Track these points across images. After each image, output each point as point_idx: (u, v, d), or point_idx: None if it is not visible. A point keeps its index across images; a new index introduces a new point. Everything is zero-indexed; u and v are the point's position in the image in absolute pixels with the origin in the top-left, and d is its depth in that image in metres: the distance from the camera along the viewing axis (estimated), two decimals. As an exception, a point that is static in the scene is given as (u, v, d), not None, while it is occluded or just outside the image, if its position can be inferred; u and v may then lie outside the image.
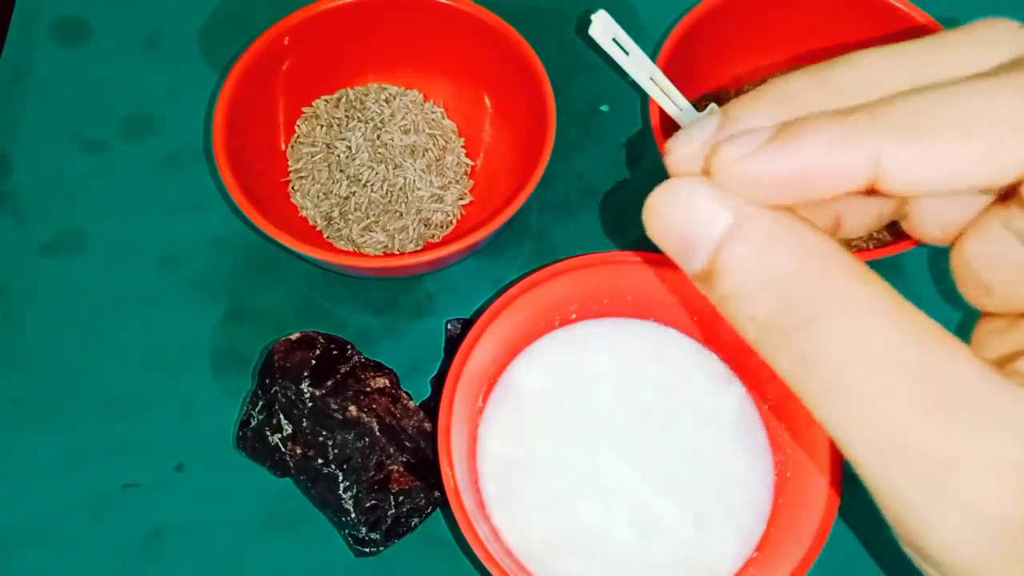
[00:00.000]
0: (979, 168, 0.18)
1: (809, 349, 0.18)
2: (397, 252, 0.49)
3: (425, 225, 0.49)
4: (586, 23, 0.44)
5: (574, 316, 0.45)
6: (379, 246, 0.49)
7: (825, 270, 0.18)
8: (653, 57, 0.47)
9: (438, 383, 0.46)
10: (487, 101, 0.52)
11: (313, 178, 0.50)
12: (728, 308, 0.20)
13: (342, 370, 0.43)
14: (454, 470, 0.38)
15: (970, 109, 0.18)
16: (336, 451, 0.41)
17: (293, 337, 0.43)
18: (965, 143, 0.18)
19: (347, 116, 0.51)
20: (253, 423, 0.43)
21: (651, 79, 0.47)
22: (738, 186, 0.19)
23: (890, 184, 0.18)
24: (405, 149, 0.50)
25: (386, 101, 0.51)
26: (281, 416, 0.42)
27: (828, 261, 0.19)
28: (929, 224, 0.23)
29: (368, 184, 0.49)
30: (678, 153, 0.21)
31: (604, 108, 0.55)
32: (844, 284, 0.18)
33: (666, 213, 0.21)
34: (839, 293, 0.18)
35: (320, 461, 0.41)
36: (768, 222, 0.19)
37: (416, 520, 0.42)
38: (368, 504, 0.41)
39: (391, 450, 0.42)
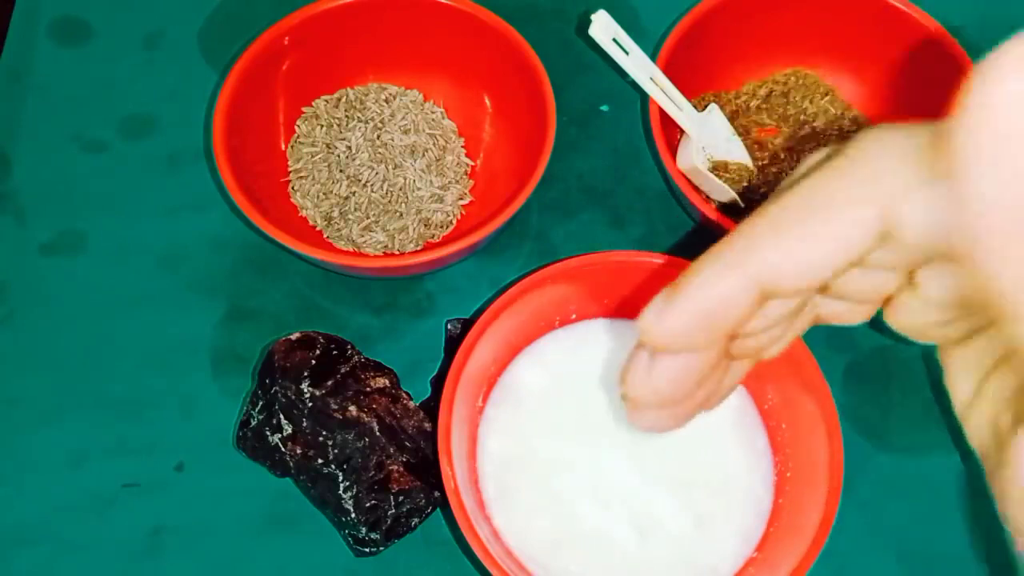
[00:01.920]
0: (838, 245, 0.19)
1: None
2: (397, 252, 0.49)
3: (425, 225, 0.49)
4: (586, 23, 0.44)
5: (574, 316, 0.45)
6: (379, 246, 0.49)
7: None
8: (653, 57, 0.47)
9: (438, 383, 0.46)
10: (487, 101, 0.52)
11: (313, 178, 0.50)
12: None
13: (342, 370, 0.43)
14: (454, 470, 0.38)
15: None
16: (336, 451, 0.41)
17: (293, 337, 0.43)
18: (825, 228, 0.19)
19: (347, 116, 0.51)
20: (253, 423, 0.43)
21: (651, 79, 0.47)
22: (666, 345, 0.21)
23: (782, 288, 0.19)
24: (405, 149, 0.50)
25: (386, 101, 0.51)
26: (281, 416, 0.42)
27: None
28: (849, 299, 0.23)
29: (368, 184, 0.49)
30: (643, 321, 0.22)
31: (604, 108, 0.55)
32: None
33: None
34: None
35: (320, 461, 0.41)
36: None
37: (416, 520, 0.42)
38: (368, 504, 0.41)
39: (391, 450, 0.42)
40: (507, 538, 0.40)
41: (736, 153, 0.50)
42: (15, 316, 0.48)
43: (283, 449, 0.42)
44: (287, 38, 0.48)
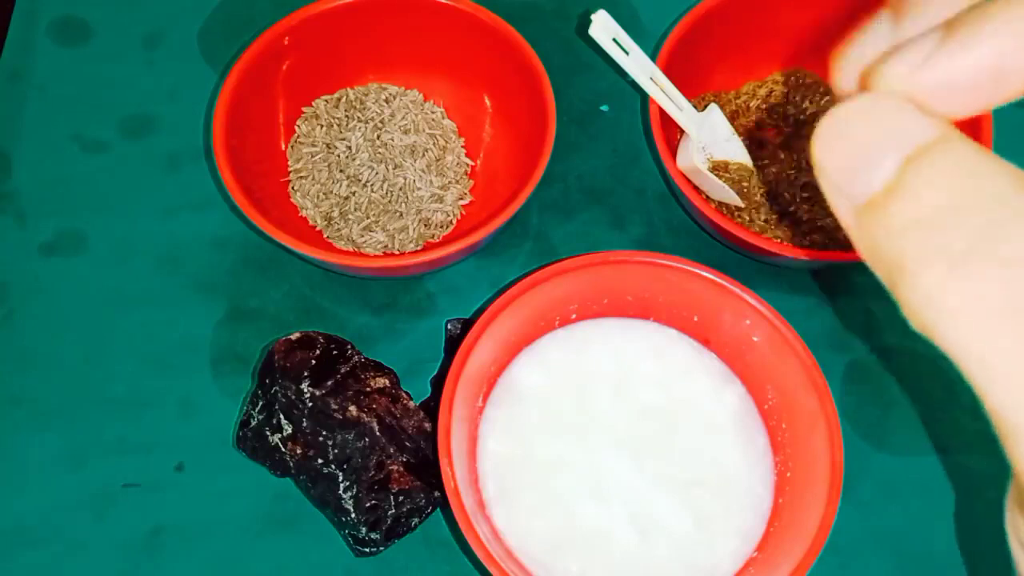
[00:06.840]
0: None
1: None
2: (397, 252, 0.49)
3: (425, 225, 0.49)
4: (586, 23, 0.44)
5: (574, 316, 0.45)
6: (379, 246, 0.49)
7: None
8: (653, 57, 0.47)
9: (438, 383, 0.46)
10: (487, 101, 0.52)
11: (313, 178, 0.50)
12: (908, 238, 0.16)
13: (342, 370, 0.43)
14: (454, 470, 0.38)
15: None
16: (336, 451, 0.41)
17: (293, 337, 0.43)
18: None
19: (347, 116, 0.51)
20: (253, 423, 0.43)
21: (651, 79, 0.47)
22: (921, 99, 0.18)
23: None
24: (405, 149, 0.50)
25: (386, 101, 0.51)
26: (281, 416, 0.42)
27: None
28: None
29: (368, 184, 0.49)
30: (893, 72, 0.18)
31: (604, 108, 0.55)
32: None
33: (854, 122, 0.18)
34: None
35: (320, 461, 0.41)
36: (971, 144, 0.17)
37: (416, 520, 0.42)
38: (368, 504, 0.41)
39: (391, 450, 0.42)
40: (507, 538, 0.40)
41: (736, 153, 0.50)
42: (15, 316, 0.48)
43: (283, 449, 0.42)
44: (287, 38, 0.48)
